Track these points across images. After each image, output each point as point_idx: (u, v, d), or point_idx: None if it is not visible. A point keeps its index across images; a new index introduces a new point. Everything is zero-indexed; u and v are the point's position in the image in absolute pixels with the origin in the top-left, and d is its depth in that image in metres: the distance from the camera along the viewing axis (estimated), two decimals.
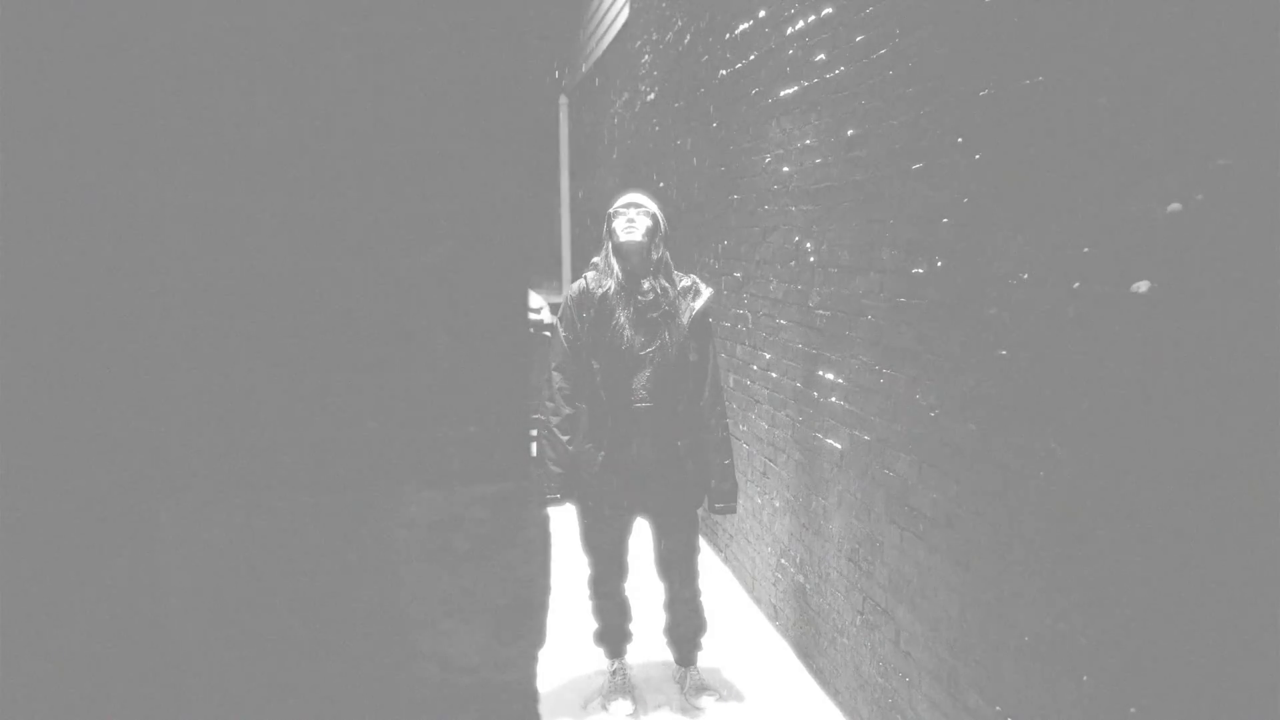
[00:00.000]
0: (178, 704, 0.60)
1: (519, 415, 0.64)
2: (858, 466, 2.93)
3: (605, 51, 7.46)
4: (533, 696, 0.66)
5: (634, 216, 2.99)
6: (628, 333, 2.96)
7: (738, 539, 4.39)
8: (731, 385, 4.36)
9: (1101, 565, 1.75)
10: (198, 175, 0.57)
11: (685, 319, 3.02)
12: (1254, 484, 1.41)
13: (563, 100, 9.85)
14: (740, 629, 3.88)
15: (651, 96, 5.86)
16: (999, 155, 2.07)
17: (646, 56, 5.95)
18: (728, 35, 4.22)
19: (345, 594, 0.61)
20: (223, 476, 0.59)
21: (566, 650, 3.57)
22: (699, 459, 3.12)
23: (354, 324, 0.60)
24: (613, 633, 3.33)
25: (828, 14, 3.08)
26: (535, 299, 6.15)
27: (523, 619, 0.64)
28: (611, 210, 3.08)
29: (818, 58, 3.18)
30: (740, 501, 4.15)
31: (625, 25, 6.58)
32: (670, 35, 5.30)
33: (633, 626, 3.38)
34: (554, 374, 3.05)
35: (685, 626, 3.31)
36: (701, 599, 3.31)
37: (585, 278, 3.09)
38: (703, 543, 3.85)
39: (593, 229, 7.18)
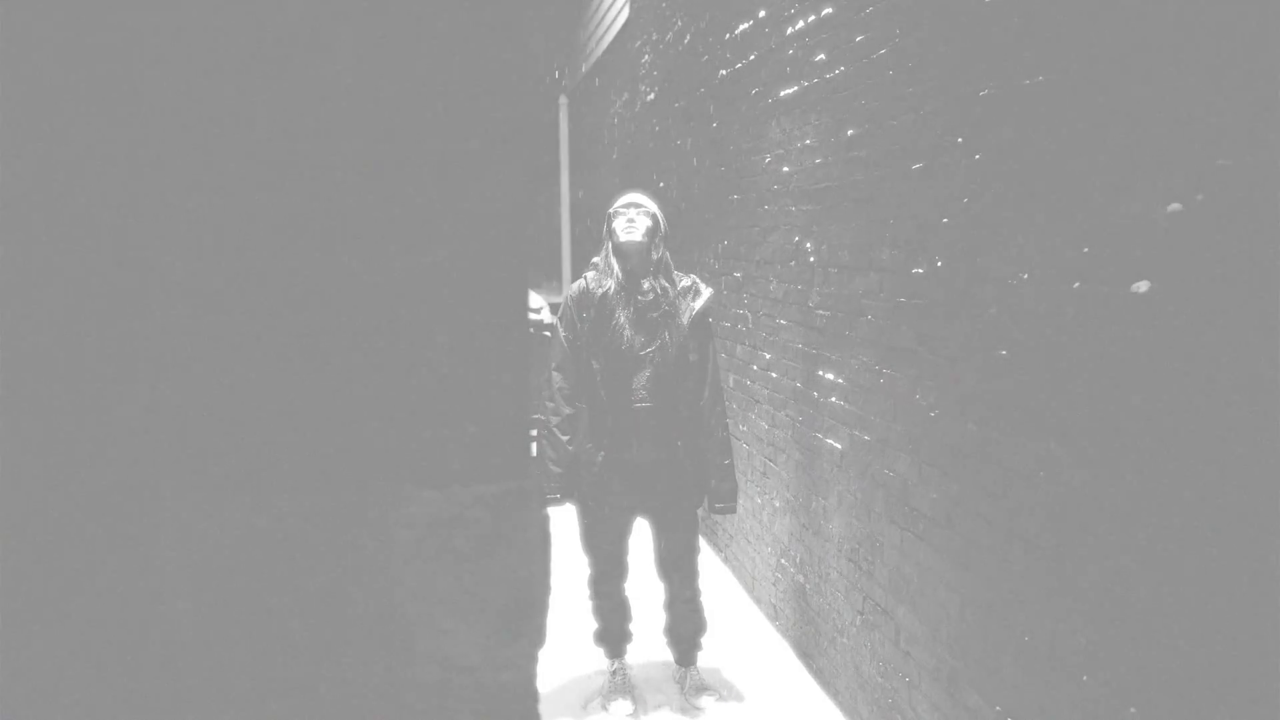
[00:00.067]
0: (177, 703, 0.60)
1: (519, 415, 0.64)
2: (858, 466, 2.93)
3: (605, 51, 7.45)
4: (533, 696, 0.66)
5: (634, 216, 3.00)
6: (628, 333, 2.96)
7: (738, 539, 4.39)
8: (731, 385, 4.36)
9: (1101, 565, 1.75)
10: (197, 175, 0.57)
11: (685, 319, 3.02)
12: (1254, 484, 1.41)
13: (563, 100, 9.85)
14: (740, 629, 3.88)
15: (651, 96, 5.86)
16: (999, 155, 2.07)
17: (646, 56, 5.95)
18: (728, 35, 4.22)
19: (345, 594, 0.61)
20: (223, 476, 0.59)
21: (566, 650, 3.57)
22: (699, 459, 3.12)
23: (354, 324, 0.60)
24: (613, 633, 3.33)
25: (828, 14, 3.08)
26: (535, 299, 6.15)
27: (523, 619, 0.64)
28: (611, 210, 3.08)
29: (818, 58, 3.18)
30: (740, 501, 4.15)
31: (625, 25, 6.58)
32: (670, 35, 5.30)
33: (633, 626, 3.38)
34: (554, 374, 3.05)
35: (685, 626, 3.31)
36: (701, 599, 3.31)
37: (585, 278, 3.09)
38: (703, 543, 3.85)
39: (593, 229, 7.17)
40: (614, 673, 3.35)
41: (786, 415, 3.63)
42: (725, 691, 3.37)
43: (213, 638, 0.60)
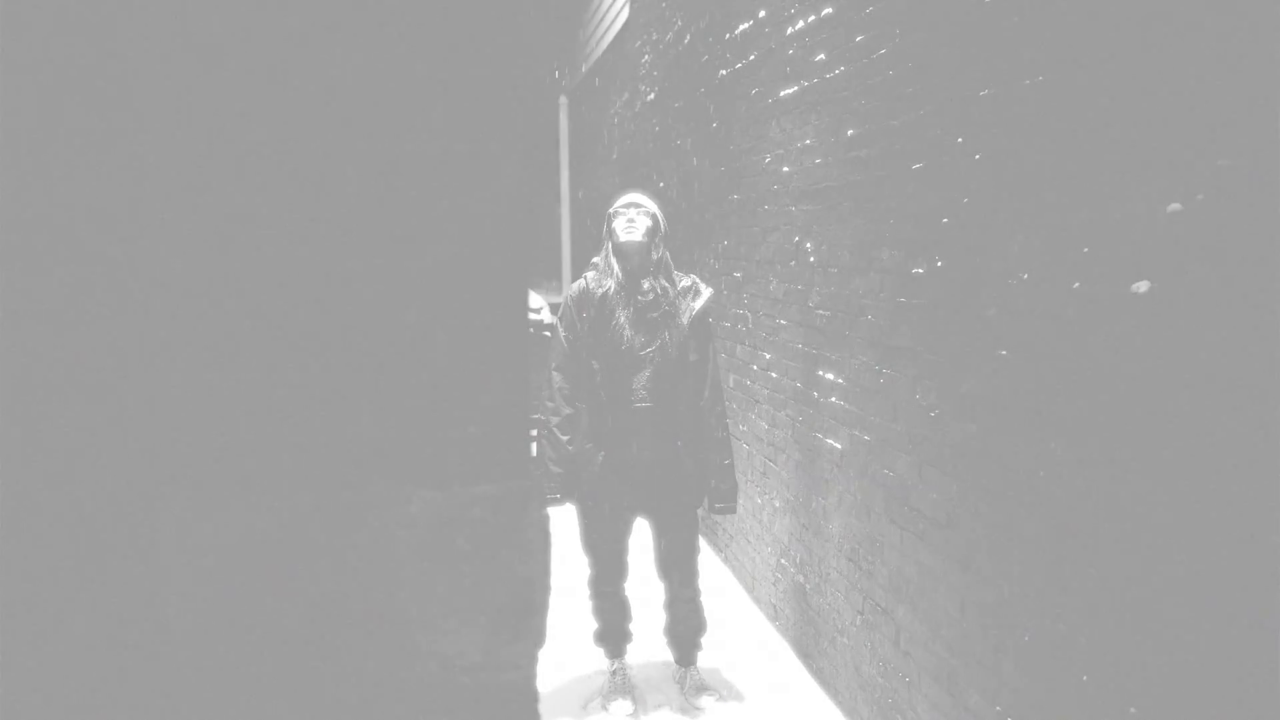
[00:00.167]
0: (178, 704, 0.60)
1: (519, 415, 0.64)
2: (858, 466, 2.93)
3: (605, 51, 7.45)
4: (533, 696, 0.66)
5: (634, 216, 3.00)
6: (628, 333, 2.96)
7: (738, 539, 4.39)
8: (731, 385, 4.36)
9: (1101, 565, 1.75)
10: (197, 175, 0.57)
11: (685, 319, 3.02)
12: (1254, 484, 1.41)
13: (563, 100, 9.84)
14: (740, 629, 3.88)
15: (651, 96, 5.86)
16: (999, 155, 2.07)
17: (646, 56, 5.95)
18: (728, 35, 4.22)
19: (345, 594, 0.61)
20: (223, 477, 0.59)
21: (566, 650, 3.57)
22: (699, 459, 3.12)
23: (354, 324, 0.60)
24: (613, 633, 3.33)
25: (828, 14, 3.08)
26: (535, 299, 6.15)
27: (523, 619, 0.64)
28: (611, 210, 3.08)
29: (818, 58, 3.18)
30: (740, 501, 4.15)
31: (625, 25, 6.58)
32: (670, 35, 5.30)
33: (633, 626, 3.38)
34: (554, 374, 3.05)
35: (685, 626, 3.31)
36: (701, 599, 3.31)
37: (585, 278, 3.09)
38: (703, 543, 3.85)
39: (593, 229, 7.17)
40: (614, 673, 3.35)
41: (786, 415, 3.63)
42: (725, 691, 3.37)
43: (213, 638, 0.60)
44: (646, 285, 2.99)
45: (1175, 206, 1.54)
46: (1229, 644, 1.46)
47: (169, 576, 0.58)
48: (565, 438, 3.04)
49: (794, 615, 3.61)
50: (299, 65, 0.57)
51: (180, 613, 0.59)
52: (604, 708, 3.25)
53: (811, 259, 3.30)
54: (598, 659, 3.45)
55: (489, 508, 0.63)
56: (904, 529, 2.60)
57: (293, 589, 0.60)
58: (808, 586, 3.44)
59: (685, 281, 3.09)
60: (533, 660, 0.65)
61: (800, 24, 3.34)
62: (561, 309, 3.11)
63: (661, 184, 5.61)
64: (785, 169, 3.53)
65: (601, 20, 7.57)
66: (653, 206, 3.06)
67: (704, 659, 3.48)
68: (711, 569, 4.44)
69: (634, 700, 3.29)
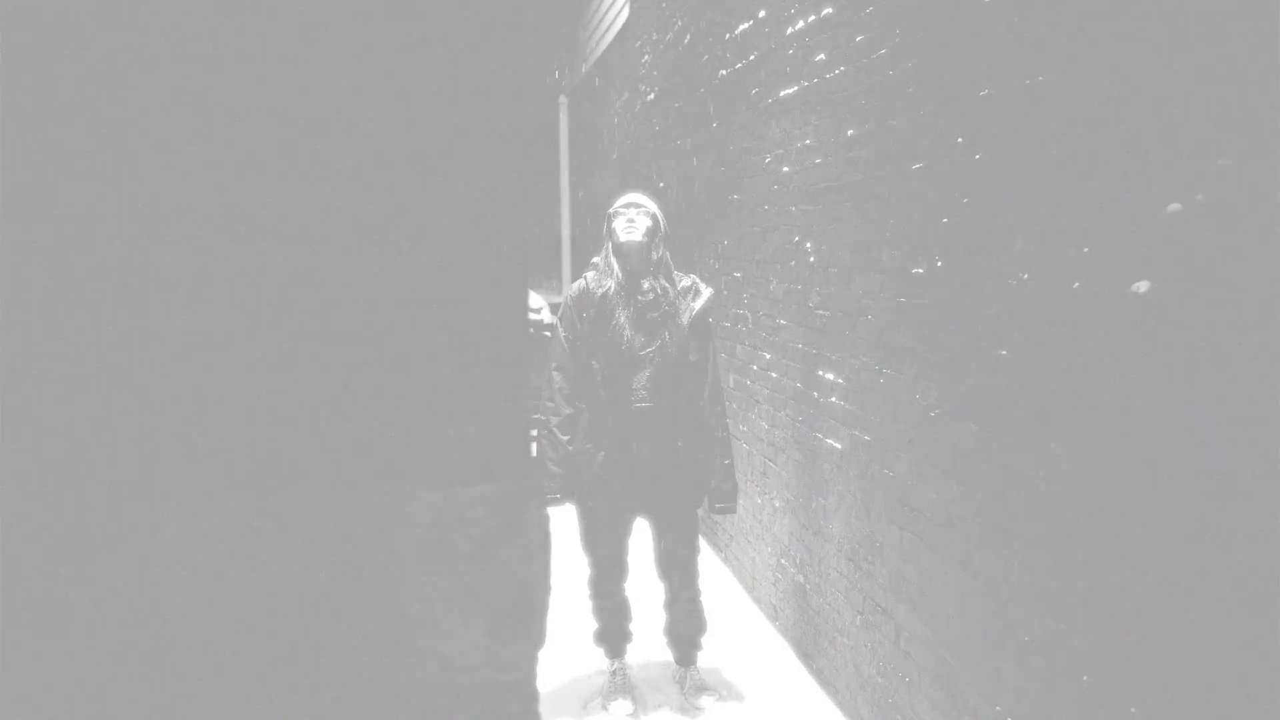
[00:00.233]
0: (178, 703, 0.60)
1: (519, 415, 0.64)
2: (858, 466, 2.93)
3: (605, 51, 7.45)
4: (533, 696, 0.66)
5: (634, 216, 3.00)
6: (628, 333, 2.96)
7: (738, 539, 4.39)
8: (731, 385, 4.36)
9: (1101, 565, 1.75)
10: (197, 175, 0.57)
11: (685, 319, 3.02)
12: (1254, 484, 1.41)
13: (563, 100, 9.84)
14: (740, 629, 3.88)
15: (651, 96, 5.86)
16: (999, 155, 2.07)
17: (646, 56, 5.95)
18: (728, 35, 4.22)
19: (345, 593, 0.61)
20: (223, 477, 0.59)
21: (566, 650, 3.57)
22: (699, 459, 3.12)
23: (354, 324, 0.60)
24: (613, 633, 3.33)
25: (828, 14, 3.09)
26: (535, 299, 6.15)
27: (523, 619, 0.64)
28: (611, 210, 3.08)
29: (818, 58, 3.18)
30: (740, 501, 4.15)
31: (625, 25, 6.58)
32: (670, 35, 5.30)
33: (633, 626, 3.38)
34: (554, 374, 3.05)
35: (685, 626, 3.31)
36: (701, 599, 3.31)
37: (585, 278, 3.09)
38: (703, 543, 3.85)
39: (593, 229, 7.18)
40: (614, 673, 3.35)
41: (786, 415, 3.63)
42: (725, 691, 3.37)
43: (213, 637, 0.60)
44: (646, 285, 2.99)
45: (1175, 206, 1.54)
46: (1229, 644, 1.46)
47: (169, 576, 0.58)
48: (565, 438, 3.04)
49: (794, 615, 3.61)
50: (299, 65, 0.57)
51: (180, 612, 0.59)
52: (604, 708, 3.25)
53: (811, 259, 3.30)
54: (598, 659, 3.45)
55: (489, 508, 0.63)
56: (904, 529, 2.60)
57: (293, 589, 0.60)
58: (808, 586, 3.44)
59: (685, 281, 3.09)
60: (533, 660, 0.65)
61: (800, 24, 3.34)
62: (561, 309, 3.11)
63: (661, 184, 5.61)
64: (785, 169, 3.53)
65: (601, 20, 7.57)
66: (653, 206, 3.06)
67: (704, 659, 3.48)
68: (711, 569, 4.44)
69: (634, 700, 3.29)
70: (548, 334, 4.00)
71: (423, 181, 0.60)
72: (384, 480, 0.61)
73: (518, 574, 0.64)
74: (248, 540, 0.60)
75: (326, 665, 0.62)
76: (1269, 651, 1.38)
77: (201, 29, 0.56)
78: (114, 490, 0.57)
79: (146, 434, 0.57)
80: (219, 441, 0.59)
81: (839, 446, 3.08)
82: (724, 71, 4.29)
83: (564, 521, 3.27)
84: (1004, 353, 2.06)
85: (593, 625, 3.36)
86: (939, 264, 2.35)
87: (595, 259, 3.13)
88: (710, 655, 3.53)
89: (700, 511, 3.26)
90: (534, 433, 3.09)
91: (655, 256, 3.02)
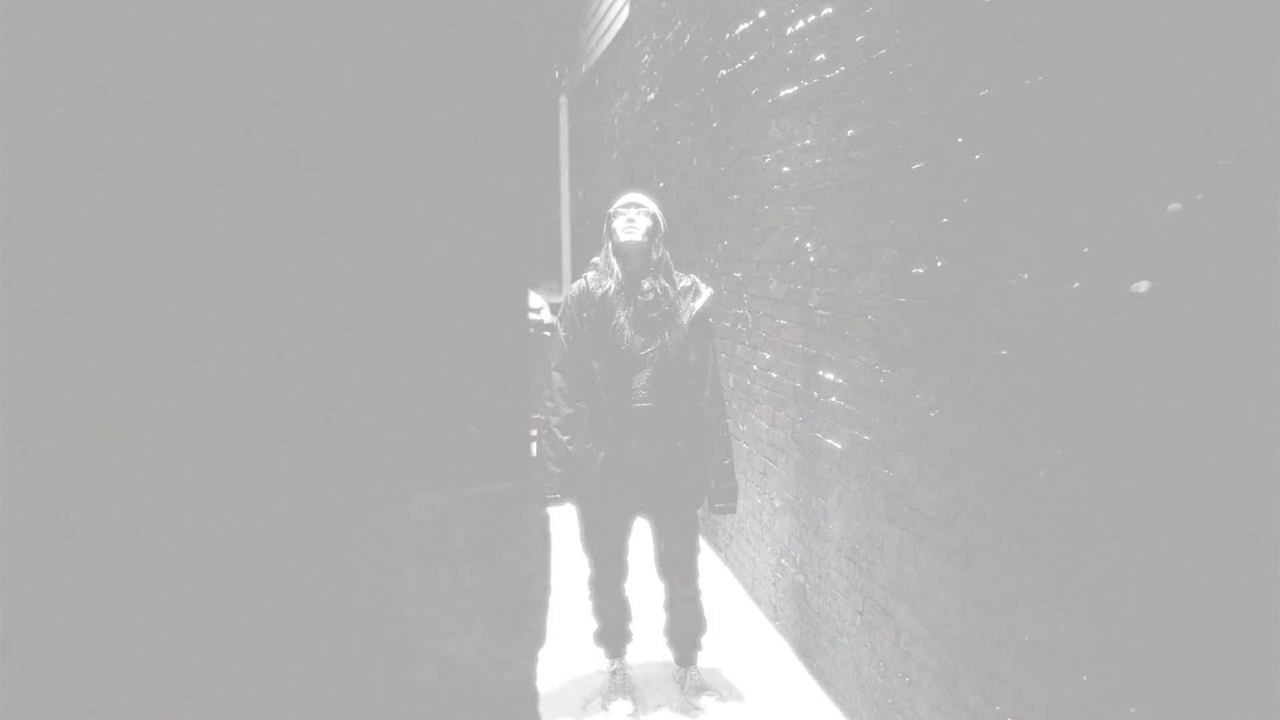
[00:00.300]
0: (178, 704, 0.59)
1: (519, 415, 0.64)
2: (858, 466, 2.93)
3: (605, 51, 7.45)
4: (533, 696, 0.66)
5: (634, 216, 3.00)
6: (628, 333, 2.96)
7: (738, 539, 4.39)
8: (731, 385, 4.36)
9: (1101, 565, 1.75)
10: (197, 175, 0.57)
11: (685, 319, 3.02)
12: (1254, 484, 1.41)
13: (563, 100, 9.84)
14: (740, 629, 3.88)
15: (651, 96, 5.86)
16: (999, 155, 2.07)
17: (646, 56, 5.95)
18: (728, 35, 4.22)
19: (345, 594, 0.61)
20: (223, 477, 0.59)
21: (566, 650, 3.57)
22: (699, 459, 3.12)
23: (354, 324, 0.60)
24: (613, 633, 3.33)
25: (828, 14, 3.08)
26: (535, 299, 6.14)
27: (523, 619, 0.64)
28: (611, 210, 3.08)
29: (818, 58, 3.18)
30: (740, 501, 4.15)
31: (625, 25, 6.58)
32: (670, 35, 5.30)
33: (633, 626, 3.38)
34: (554, 374, 3.05)
35: (685, 626, 3.31)
36: (701, 599, 3.31)
37: (585, 278, 3.09)
38: (703, 543, 3.85)
39: (593, 229, 7.17)
40: (614, 673, 3.35)
41: (786, 415, 3.63)
42: (725, 691, 3.37)
43: (213, 638, 0.60)
44: (646, 285, 2.99)
45: (1175, 206, 1.54)
46: (1229, 644, 1.46)
47: (169, 576, 0.58)
48: (565, 438, 3.04)
49: (794, 615, 3.61)
50: (300, 65, 0.57)
51: (180, 612, 0.59)
52: (604, 708, 3.25)
53: (811, 259, 3.30)
54: (598, 659, 3.45)
55: (489, 508, 0.63)
56: (904, 529, 2.60)
57: (293, 589, 0.60)
58: (808, 586, 3.44)
59: (685, 281, 3.09)
60: (533, 660, 0.65)
61: (800, 24, 3.34)
62: (562, 309, 3.11)
63: (661, 184, 5.61)
64: (785, 169, 3.53)
65: (601, 20, 7.57)
66: (653, 206, 3.06)
67: (704, 659, 3.48)
68: (711, 569, 4.44)
69: (634, 700, 3.29)
70: (548, 334, 4.00)
71: (423, 181, 0.60)
72: (384, 480, 0.61)
73: (518, 574, 0.64)
74: (247, 540, 0.60)
75: (326, 665, 0.62)
76: (1269, 651, 1.38)
77: (201, 29, 0.56)
78: (114, 490, 0.57)
79: (146, 434, 0.57)
80: (219, 442, 0.59)
81: (839, 446, 3.08)
82: (724, 71, 4.29)
83: (564, 521, 3.27)
84: (1004, 353, 2.06)
85: (593, 625, 3.36)
86: (939, 264, 2.35)
87: (595, 259, 3.13)
88: (710, 655, 3.53)
89: (700, 511, 3.26)
90: (534, 433, 3.09)
91: (655, 256, 3.02)
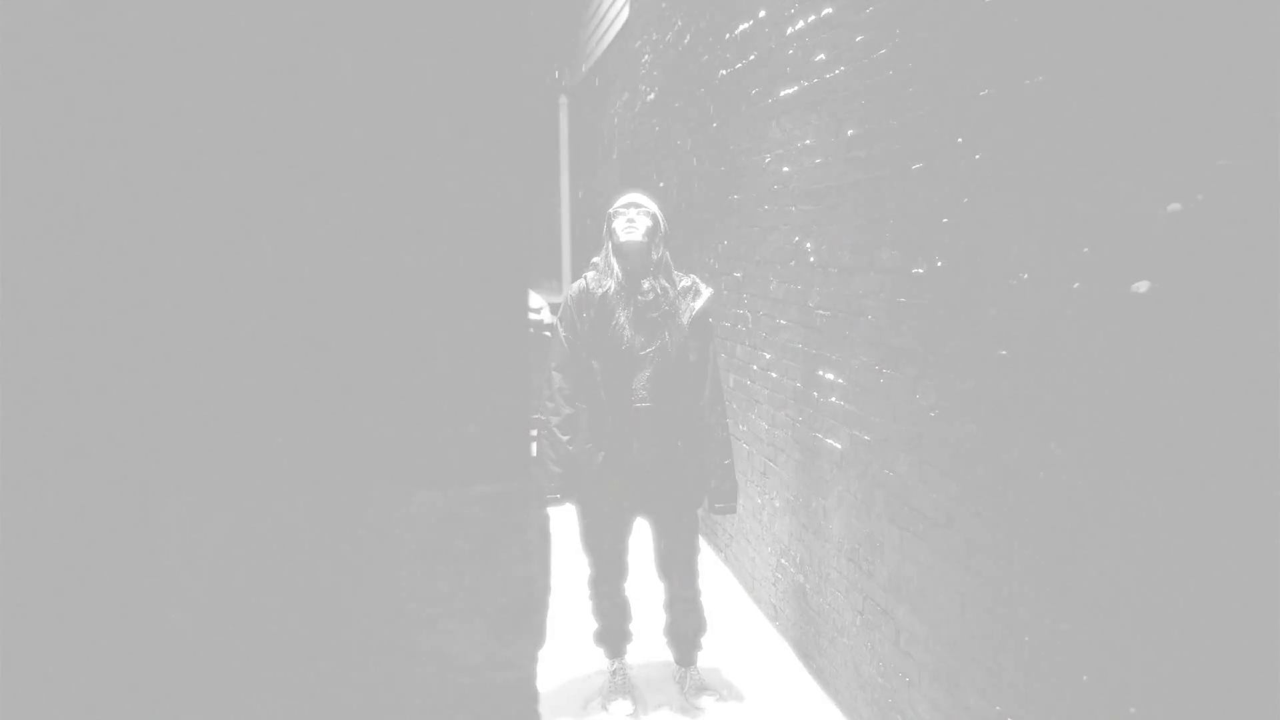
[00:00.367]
0: (178, 704, 0.59)
1: (519, 415, 0.64)
2: (858, 466, 2.93)
3: (605, 51, 7.45)
4: (533, 696, 0.66)
5: (634, 216, 3.00)
6: (628, 333, 2.96)
7: (738, 539, 4.39)
8: (731, 385, 4.36)
9: (1101, 565, 1.75)
10: (196, 174, 0.57)
11: (685, 319, 3.02)
12: (1254, 484, 1.41)
13: (563, 100, 9.84)
14: (740, 629, 3.88)
15: (651, 96, 5.86)
16: (999, 155, 2.07)
17: (646, 56, 5.95)
18: (728, 35, 4.22)
19: (345, 594, 0.61)
20: (223, 477, 0.59)
21: (566, 650, 3.57)
22: (699, 459, 3.12)
23: (353, 324, 0.60)
24: (613, 633, 3.33)
25: (828, 14, 3.08)
26: (535, 299, 6.14)
27: (523, 619, 0.64)
28: (611, 210, 3.08)
29: (818, 58, 3.18)
30: (740, 501, 4.15)
31: (625, 25, 6.58)
32: (670, 35, 5.30)
33: (633, 626, 3.38)
34: (554, 374, 3.05)
35: (685, 626, 3.31)
36: (701, 599, 3.31)
37: (585, 278, 3.09)
38: (703, 543, 3.85)
39: (593, 229, 7.17)
40: (614, 673, 3.35)
41: (786, 415, 3.63)
42: (725, 691, 3.37)
43: (213, 638, 0.60)
44: (646, 285, 2.99)
45: (1175, 206, 1.54)
46: (1229, 644, 1.46)
47: (169, 576, 0.58)
48: (565, 438, 3.04)
49: (794, 615, 3.61)
50: (299, 65, 0.57)
51: (180, 613, 0.59)
52: (604, 708, 3.25)
53: (811, 259, 3.30)
54: (598, 659, 3.45)
55: (489, 508, 0.63)
56: (904, 529, 2.60)
57: (293, 589, 0.60)
58: (808, 586, 3.44)
59: (685, 281, 3.09)
60: (533, 660, 0.65)
61: (800, 24, 3.34)
62: (561, 309, 3.11)
63: (661, 184, 5.61)
64: (785, 169, 3.53)
65: (601, 20, 7.56)
66: (653, 206, 3.06)
67: (704, 659, 3.48)
68: (711, 569, 4.44)
69: (634, 700, 3.29)
70: (548, 334, 4.00)
71: (423, 181, 0.60)
72: (384, 480, 0.61)
73: (518, 574, 0.64)
74: (247, 540, 0.60)
75: (326, 665, 0.62)
76: (1269, 651, 1.38)
77: (200, 28, 0.56)
78: (114, 490, 0.57)
79: (146, 434, 0.57)
80: (219, 441, 0.59)
81: (839, 446, 3.08)
82: (724, 71, 4.29)
83: (564, 521, 3.27)
84: (1004, 353, 2.06)
85: (593, 625, 3.36)
86: (939, 264, 2.35)
87: (595, 259, 3.13)
88: (710, 655, 3.53)
89: (700, 511, 3.26)
90: (534, 433, 3.09)
91: (655, 256, 3.02)
